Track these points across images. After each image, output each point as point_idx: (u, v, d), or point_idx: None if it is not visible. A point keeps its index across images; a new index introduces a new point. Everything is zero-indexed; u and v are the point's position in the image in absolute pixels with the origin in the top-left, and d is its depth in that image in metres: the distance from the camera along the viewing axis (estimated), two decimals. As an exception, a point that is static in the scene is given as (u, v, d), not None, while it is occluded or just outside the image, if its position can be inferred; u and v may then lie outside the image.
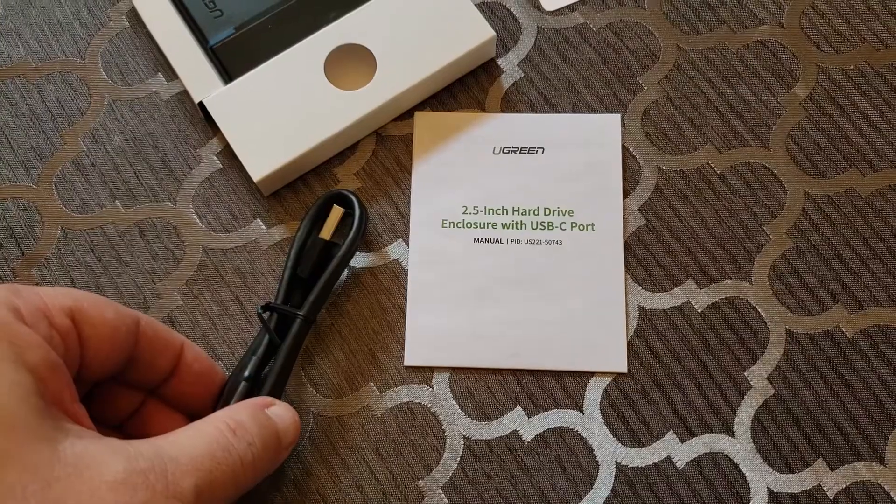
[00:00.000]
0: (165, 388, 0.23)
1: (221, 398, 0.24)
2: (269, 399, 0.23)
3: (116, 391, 0.23)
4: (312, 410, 0.26)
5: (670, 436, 0.26)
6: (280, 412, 0.23)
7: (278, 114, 0.28)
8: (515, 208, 0.28)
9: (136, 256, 0.28)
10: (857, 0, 0.31)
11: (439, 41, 0.29)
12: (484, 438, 0.26)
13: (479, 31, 0.29)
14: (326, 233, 0.27)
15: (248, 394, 0.24)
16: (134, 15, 0.31)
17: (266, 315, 0.25)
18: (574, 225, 0.28)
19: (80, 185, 0.29)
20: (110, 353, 0.20)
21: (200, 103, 0.28)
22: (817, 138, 0.29)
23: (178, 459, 0.18)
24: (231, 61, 0.29)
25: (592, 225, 0.28)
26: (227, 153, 0.29)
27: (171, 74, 0.30)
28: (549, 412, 0.26)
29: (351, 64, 0.29)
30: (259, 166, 0.27)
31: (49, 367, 0.18)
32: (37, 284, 0.28)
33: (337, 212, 0.27)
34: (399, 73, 0.28)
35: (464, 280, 0.28)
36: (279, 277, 0.27)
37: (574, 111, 0.30)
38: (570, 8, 0.31)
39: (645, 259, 0.28)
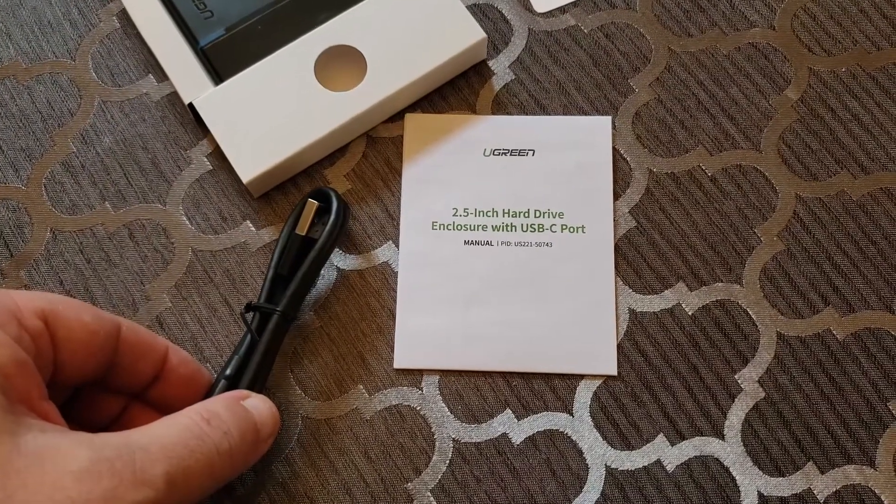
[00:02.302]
0: (150, 392, 0.23)
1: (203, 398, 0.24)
2: (245, 392, 0.23)
3: (100, 395, 0.22)
4: (301, 413, 0.26)
5: (660, 439, 0.26)
6: (256, 403, 0.22)
7: (268, 115, 0.28)
8: (506, 210, 0.28)
9: (126, 258, 0.28)
10: (849, 3, 0.31)
11: (430, 43, 0.28)
12: (473, 441, 0.26)
13: (470, 33, 0.29)
14: (302, 228, 0.27)
15: (225, 390, 0.24)
16: (124, 16, 0.31)
17: (249, 315, 0.25)
18: (564, 227, 0.28)
19: (70, 186, 0.29)
20: (87, 357, 0.20)
21: (190, 104, 0.28)
22: (809, 141, 0.29)
23: (148, 448, 0.18)
24: (221, 62, 0.29)
25: (583, 227, 0.28)
26: (217, 155, 0.29)
27: (162, 76, 0.30)
28: (539, 415, 0.26)
29: (341, 65, 0.29)
30: (248, 168, 0.27)
31: (16, 365, 0.18)
32: (25, 286, 0.28)
33: (311, 206, 0.27)
34: (389, 75, 0.28)
35: (454, 282, 0.27)
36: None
37: (565, 113, 0.30)
38: (562, 10, 0.31)
39: (635, 261, 0.28)
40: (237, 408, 0.21)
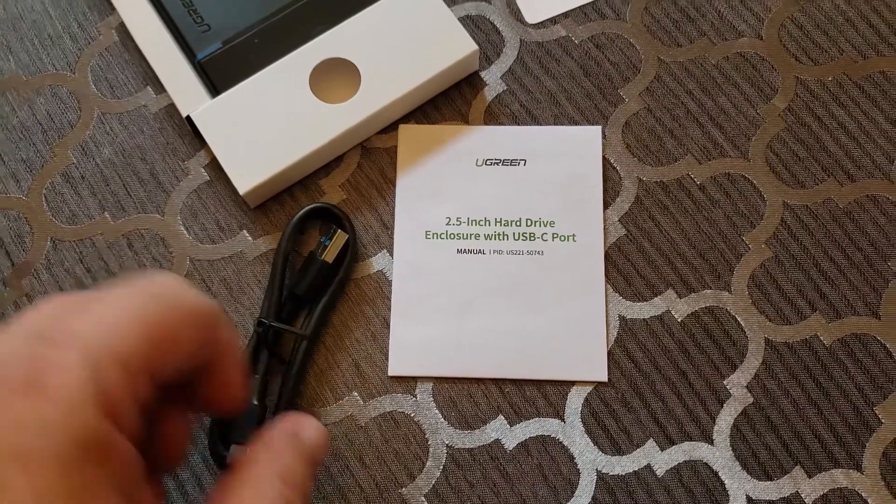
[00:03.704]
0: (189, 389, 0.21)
1: (234, 422, 0.25)
2: (299, 421, 0.22)
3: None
4: (297, 419, 0.27)
5: (650, 444, 0.26)
6: (313, 435, 0.21)
7: (264, 127, 0.28)
8: (498, 219, 0.29)
9: (125, 267, 0.29)
10: (836, 12, 0.31)
11: (423, 55, 0.29)
12: (466, 447, 0.26)
13: (463, 45, 0.29)
14: (330, 256, 0.27)
15: (260, 416, 0.25)
16: (123, 29, 0.32)
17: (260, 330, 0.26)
18: (555, 236, 0.29)
19: (70, 196, 0.30)
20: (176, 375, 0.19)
21: (188, 117, 0.29)
22: (796, 149, 0.30)
23: None
24: (218, 75, 0.29)
25: (574, 236, 0.29)
26: (215, 165, 0.30)
27: (160, 88, 0.31)
28: (531, 421, 0.27)
29: (336, 77, 0.29)
30: (245, 179, 0.28)
31: (134, 483, 0.16)
32: (26, 295, 0.29)
33: (341, 237, 0.27)
34: (383, 87, 0.29)
35: (447, 291, 0.28)
36: (266, 289, 0.28)
37: (556, 123, 0.30)
38: (553, 21, 0.31)
39: (625, 269, 0.28)
40: (305, 453, 0.21)
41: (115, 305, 0.18)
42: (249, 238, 0.29)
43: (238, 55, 0.29)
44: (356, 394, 0.27)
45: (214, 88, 0.29)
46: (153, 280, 0.19)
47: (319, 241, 0.28)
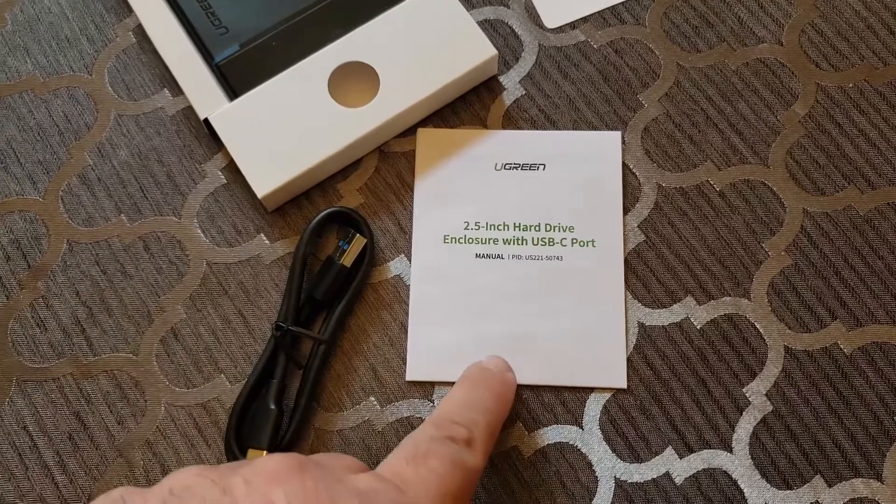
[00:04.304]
0: None
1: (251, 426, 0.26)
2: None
3: None
4: (314, 424, 0.26)
5: (669, 451, 0.26)
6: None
7: (282, 130, 0.28)
8: (517, 224, 0.29)
9: (141, 270, 0.29)
10: (856, 19, 0.31)
11: (442, 59, 0.29)
12: (484, 453, 0.26)
13: (482, 50, 0.29)
14: (348, 260, 0.27)
15: (278, 421, 0.25)
16: (140, 31, 0.32)
17: (278, 335, 0.26)
18: (575, 241, 0.28)
19: (86, 198, 0.30)
20: None
21: (205, 120, 0.29)
22: (816, 156, 0.29)
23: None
24: (236, 78, 0.29)
25: (593, 241, 0.28)
26: (232, 168, 0.30)
27: (177, 90, 0.31)
28: (549, 427, 0.26)
29: (354, 81, 0.29)
30: (263, 182, 0.28)
31: None
32: (42, 297, 0.28)
33: (360, 241, 0.27)
34: (402, 91, 0.29)
35: (465, 295, 0.28)
36: (283, 293, 0.28)
37: (575, 128, 0.30)
38: (572, 25, 0.31)
39: (644, 275, 0.28)
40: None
41: None
42: (267, 241, 0.29)
43: (256, 58, 0.29)
44: (373, 399, 0.27)
45: (232, 91, 0.29)
46: None
47: (337, 245, 0.28)
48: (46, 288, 0.29)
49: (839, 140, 0.30)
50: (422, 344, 0.27)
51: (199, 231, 0.29)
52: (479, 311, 0.28)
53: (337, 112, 0.28)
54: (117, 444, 0.26)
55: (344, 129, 0.28)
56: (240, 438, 0.26)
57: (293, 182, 0.28)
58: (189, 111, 0.31)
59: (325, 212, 0.28)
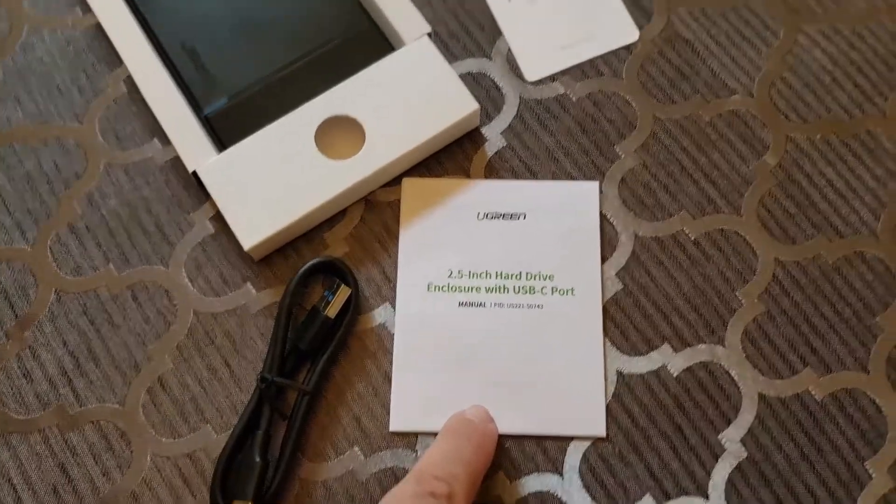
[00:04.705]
0: None
1: (237, 477, 0.26)
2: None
3: None
4: (298, 475, 0.27)
5: (647, 499, 0.27)
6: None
7: (269, 182, 0.29)
8: (499, 273, 0.29)
9: (129, 319, 0.29)
10: (823, 72, 0.32)
11: (426, 113, 0.30)
12: None
13: (464, 104, 0.30)
14: (333, 311, 0.28)
15: (263, 472, 0.26)
16: (131, 81, 0.32)
17: (263, 386, 0.26)
18: (555, 290, 0.29)
19: (75, 248, 0.30)
20: None
21: (194, 172, 0.29)
22: (787, 205, 0.31)
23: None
24: (224, 130, 0.30)
25: (572, 290, 0.29)
26: (219, 218, 0.30)
27: (166, 139, 0.31)
28: (530, 476, 0.27)
29: (341, 133, 0.30)
30: (250, 235, 0.28)
31: None
32: (29, 347, 0.29)
33: (345, 291, 0.28)
34: (387, 144, 0.29)
35: (448, 345, 0.28)
36: (269, 344, 0.28)
37: (554, 178, 0.31)
38: (551, 78, 0.32)
39: (622, 323, 0.29)
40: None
41: None
42: (253, 291, 0.29)
43: (244, 110, 0.30)
44: (357, 449, 0.27)
45: (221, 143, 0.30)
46: None
47: (322, 296, 0.28)
48: (34, 338, 0.29)
49: (808, 190, 0.31)
50: (405, 394, 0.28)
51: (187, 280, 0.30)
52: (462, 361, 0.28)
53: (323, 164, 0.29)
54: (102, 497, 0.27)
55: (330, 180, 0.29)
56: (225, 490, 0.26)
57: (280, 234, 0.29)
58: (178, 160, 0.31)
59: (310, 263, 0.29)
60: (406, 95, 0.30)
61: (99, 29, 0.33)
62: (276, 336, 0.27)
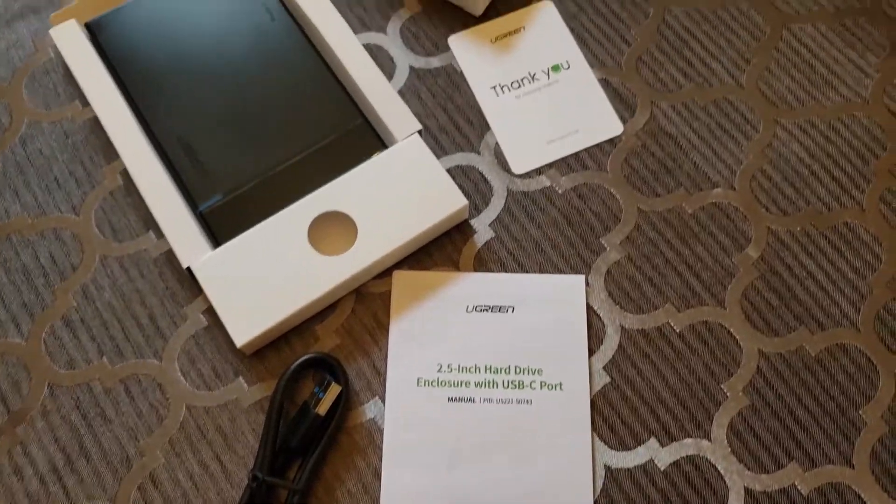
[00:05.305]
0: None
1: None
2: None
3: None
4: (289, 574, 0.27)
5: None
6: None
7: (263, 279, 0.29)
8: (487, 366, 0.30)
9: (121, 413, 0.29)
10: (801, 165, 0.33)
11: (416, 208, 0.31)
12: None
13: (454, 200, 0.31)
14: (323, 409, 0.28)
15: None
16: (127, 174, 0.33)
17: (254, 485, 0.26)
18: (543, 384, 0.30)
19: (69, 341, 0.30)
20: None
21: (188, 268, 0.30)
22: (769, 298, 0.31)
23: None
24: (219, 226, 0.30)
25: (560, 384, 0.30)
26: (213, 311, 0.31)
27: (161, 233, 0.32)
28: (519, 576, 0.27)
29: (333, 228, 0.31)
30: (242, 332, 0.29)
31: None
32: (20, 443, 0.29)
33: (335, 389, 0.28)
34: (378, 239, 0.30)
35: (438, 441, 0.29)
36: (260, 441, 0.28)
37: (541, 271, 0.32)
38: (538, 171, 0.33)
39: (610, 418, 0.29)
40: None
41: None
42: (245, 385, 0.30)
43: (239, 207, 0.31)
44: (348, 549, 0.27)
45: (215, 239, 0.30)
46: None
47: (313, 392, 0.28)
48: (25, 434, 0.29)
49: (790, 282, 0.31)
50: (395, 491, 0.28)
51: (180, 374, 0.30)
52: (451, 458, 0.28)
53: (316, 260, 0.30)
54: None
55: (323, 276, 0.30)
56: None
57: (272, 329, 0.29)
58: (172, 254, 0.32)
59: (300, 360, 0.29)
60: (397, 192, 0.31)
61: (97, 122, 0.34)
62: (267, 434, 0.28)
